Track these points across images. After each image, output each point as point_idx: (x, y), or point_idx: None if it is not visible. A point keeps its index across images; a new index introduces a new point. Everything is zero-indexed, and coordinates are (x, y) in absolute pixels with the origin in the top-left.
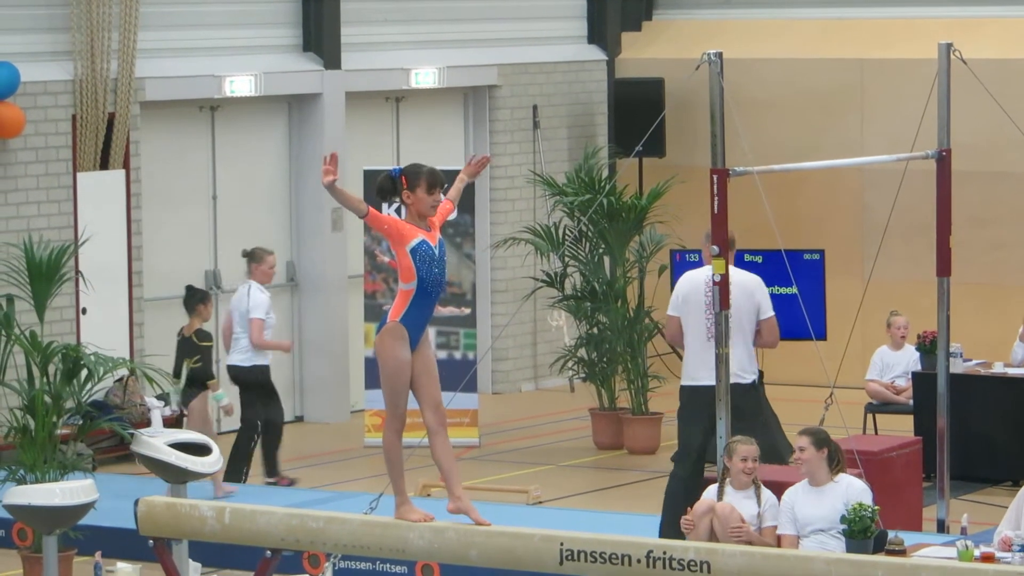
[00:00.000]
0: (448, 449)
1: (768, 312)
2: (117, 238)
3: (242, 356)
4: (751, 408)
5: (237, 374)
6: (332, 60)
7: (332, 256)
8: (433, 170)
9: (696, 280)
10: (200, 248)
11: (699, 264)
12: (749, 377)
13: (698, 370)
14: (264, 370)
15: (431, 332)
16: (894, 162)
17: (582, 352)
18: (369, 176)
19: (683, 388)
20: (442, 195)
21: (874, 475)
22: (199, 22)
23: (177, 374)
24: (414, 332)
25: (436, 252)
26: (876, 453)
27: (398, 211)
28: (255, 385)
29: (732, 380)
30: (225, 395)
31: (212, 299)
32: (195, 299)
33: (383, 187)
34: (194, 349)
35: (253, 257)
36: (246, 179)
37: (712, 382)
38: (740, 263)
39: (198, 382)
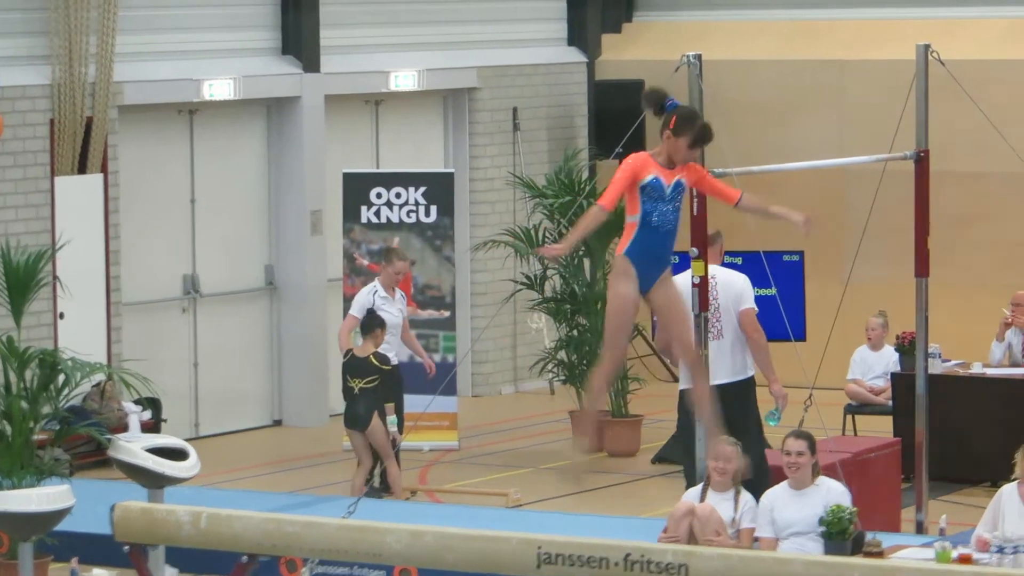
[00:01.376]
0: (704, 391)
1: (745, 304)
2: (95, 242)
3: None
4: (746, 404)
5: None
6: (311, 63)
7: (311, 260)
8: (705, 128)
9: (684, 280)
10: (179, 252)
11: (680, 266)
12: (745, 373)
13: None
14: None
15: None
16: (873, 163)
17: (562, 355)
18: (349, 178)
19: (685, 392)
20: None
21: (853, 476)
22: (177, 25)
23: (349, 394)
24: (642, 267)
25: (668, 191)
26: (855, 454)
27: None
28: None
29: (730, 378)
30: (396, 420)
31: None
32: (374, 323)
33: (651, 100)
34: (372, 370)
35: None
36: (225, 183)
37: (717, 381)
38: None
39: (378, 404)
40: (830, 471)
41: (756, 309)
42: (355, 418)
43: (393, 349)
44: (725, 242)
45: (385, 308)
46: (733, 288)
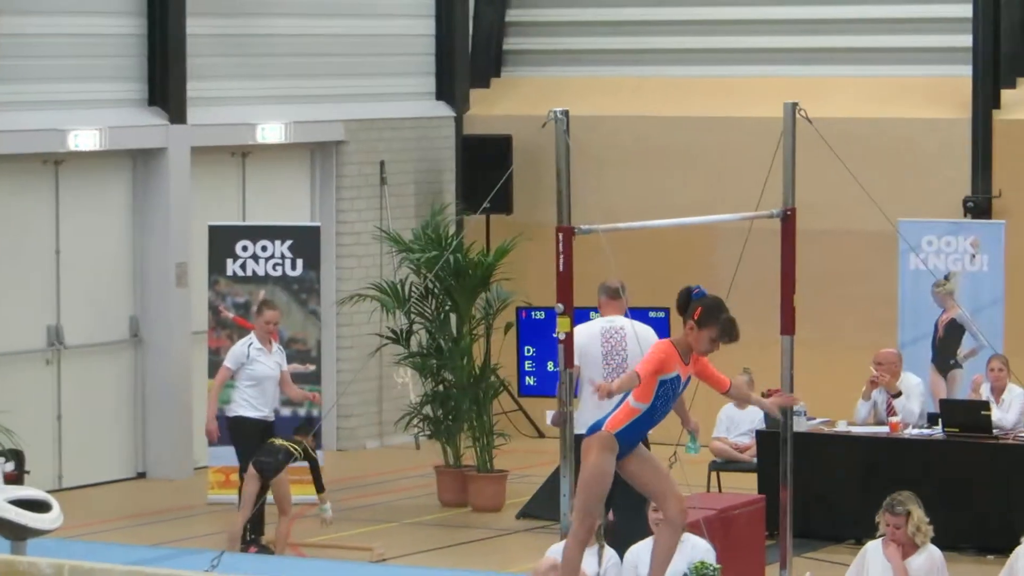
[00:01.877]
0: (666, 547)
1: None
2: None
3: None
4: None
5: None
6: (178, 115)
7: (176, 311)
8: (731, 323)
9: (592, 331)
10: (43, 303)
11: (546, 322)
12: None
13: (595, 418)
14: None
15: None
16: (739, 220)
17: (428, 409)
18: (215, 231)
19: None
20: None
21: (717, 533)
22: (43, 75)
23: (270, 445)
24: (625, 448)
25: (680, 388)
26: (720, 511)
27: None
28: None
29: None
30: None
31: None
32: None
33: (681, 300)
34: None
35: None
36: (90, 234)
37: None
38: (584, 319)
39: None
40: (695, 528)
41: None
42: (270, 466)
43: (269, 404)
44: (590, 299)
45: (261, 360)
46: (646, 341)
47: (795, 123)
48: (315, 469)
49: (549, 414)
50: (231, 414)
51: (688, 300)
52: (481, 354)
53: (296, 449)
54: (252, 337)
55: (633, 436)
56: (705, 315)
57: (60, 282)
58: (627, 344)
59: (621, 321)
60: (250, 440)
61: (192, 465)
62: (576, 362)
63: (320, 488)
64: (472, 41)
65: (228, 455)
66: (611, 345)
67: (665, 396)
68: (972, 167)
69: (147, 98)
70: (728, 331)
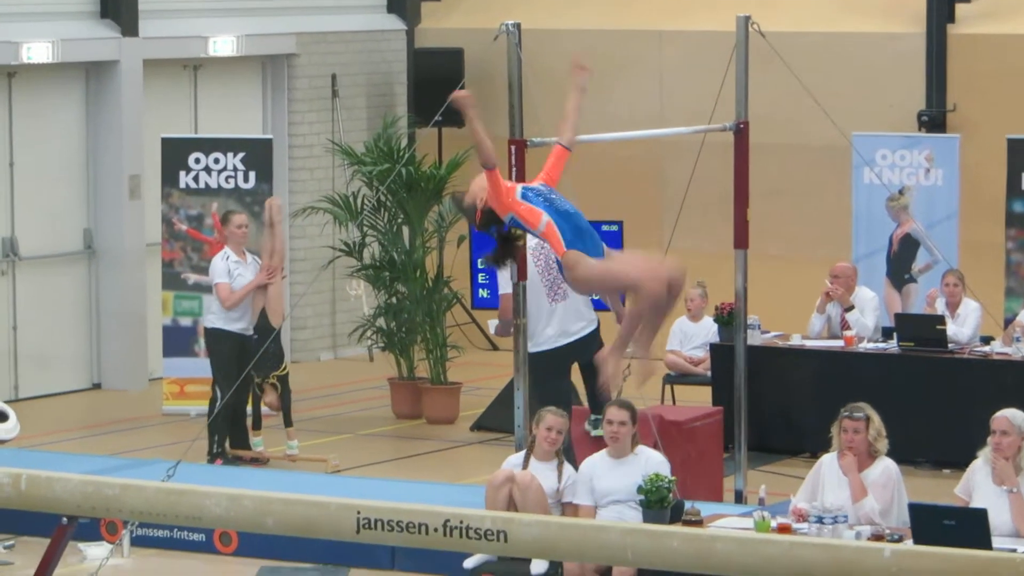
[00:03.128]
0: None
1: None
2: None
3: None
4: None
5: None
6: (130, 27)
7: (130, 224)
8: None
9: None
10: None
11: None
12: (592, 325)
13: (544, 332)
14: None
15: None
16: (692, 134)
17: (381, 322)
18: (167, 143)
19: (537, 354)
20: None
21: (676, 444)
22: None
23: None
24: (589, 246)
25: (543, 190)
26: (679, 423)
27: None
28: None
29: (588, 329)
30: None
31: None
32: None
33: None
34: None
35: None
36: (44, 146)
37: (565, 340)
38: None
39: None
40: (648, 441)
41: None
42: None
43: (247, 319)
44: None
45: (241, 273)
46: None
47: (748, 36)
48: (286, 402)
49: (491, 324)
50: (208, 325)
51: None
52: (434, 267)
53: (274, 382)
54: (227, 251)
55: (576, 232)
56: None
57: (14, 194)
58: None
59: None
60: (227, 354)
61: (147, 376)
62: (512, 280)
63: (288, 423)
64: None
65: (182, 367)
66: (543, 261)
67: (539, 198)
68: (927, 81)
69: (99, 11)
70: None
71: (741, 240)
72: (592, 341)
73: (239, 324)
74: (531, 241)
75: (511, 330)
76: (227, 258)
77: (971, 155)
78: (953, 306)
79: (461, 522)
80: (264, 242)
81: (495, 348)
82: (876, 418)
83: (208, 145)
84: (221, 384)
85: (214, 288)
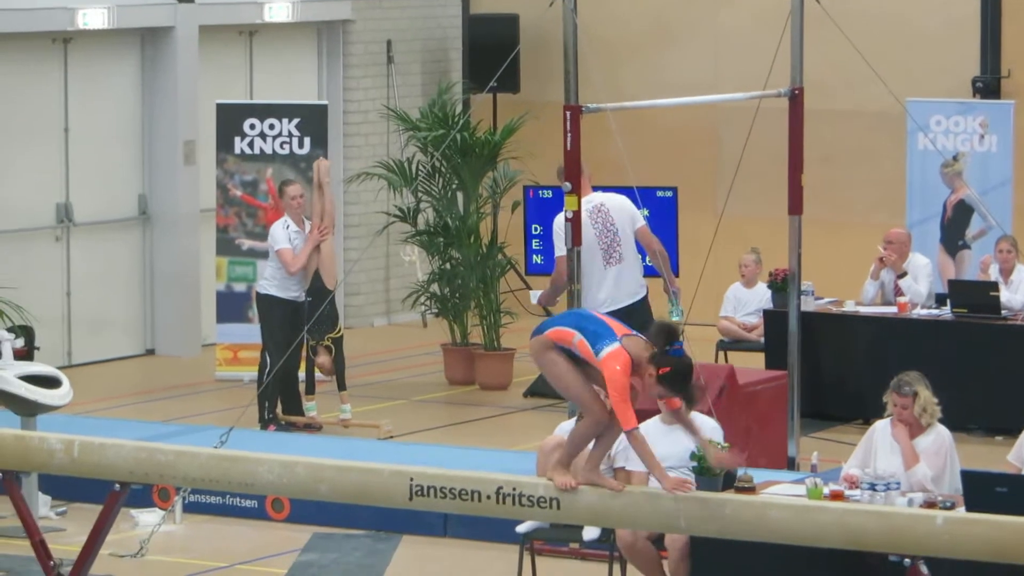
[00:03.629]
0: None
1: (639, 222)
2: None
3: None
4: (645, 322)
5: None
6: None
7: (184, 190)
8: (694, 388)
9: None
10: (52, 181)
11: (554, 200)
12: (642, 292)
13: (597, 297)
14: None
15: None
16: (747, 100)
17: (435, 287)
18: (222, 109)
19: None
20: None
21: (740, 408)
22: None
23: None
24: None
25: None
26: (742, 386)
27: None
28: None
29: (633, 299)
30: None
31: None
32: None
33: (659, 332)
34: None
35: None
36: (99, 112)
37: (615, 307)
38: None
39: None
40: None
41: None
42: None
43: (300, 286)
44: (598, 179)
45: (299, 242)
46: (626, 210)
47: (803, 2)
48: (340, 365)
49: (533, 295)
50: (261, 291)
51: (665, 340)
52: (488, 232)
53: (329, 344)
54: (287, 219)
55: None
56: (671, 380)
57: (69, 160)
58: (614, 217)
59: (601, 197)
60: (279, 320)
61: (200, 342)
62: (568, 245)
63: (342, 386)
64: None
65: (236, 332)
66: (600, 224)
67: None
68: (981, 47)
69: None
70: (691, 398)
71: (795, 206)
72: (642, 309)
73: (293, 292)
74: (587, 204)
75: (556, 300)
76: (287, 227)
77: None
78: (1007, 272)
79: (514, 489)
80: (314, 203)
81: (548, 314)
82: (924, 392)
83: (263, 111)
84: (271, 350)
85: (276, 254)
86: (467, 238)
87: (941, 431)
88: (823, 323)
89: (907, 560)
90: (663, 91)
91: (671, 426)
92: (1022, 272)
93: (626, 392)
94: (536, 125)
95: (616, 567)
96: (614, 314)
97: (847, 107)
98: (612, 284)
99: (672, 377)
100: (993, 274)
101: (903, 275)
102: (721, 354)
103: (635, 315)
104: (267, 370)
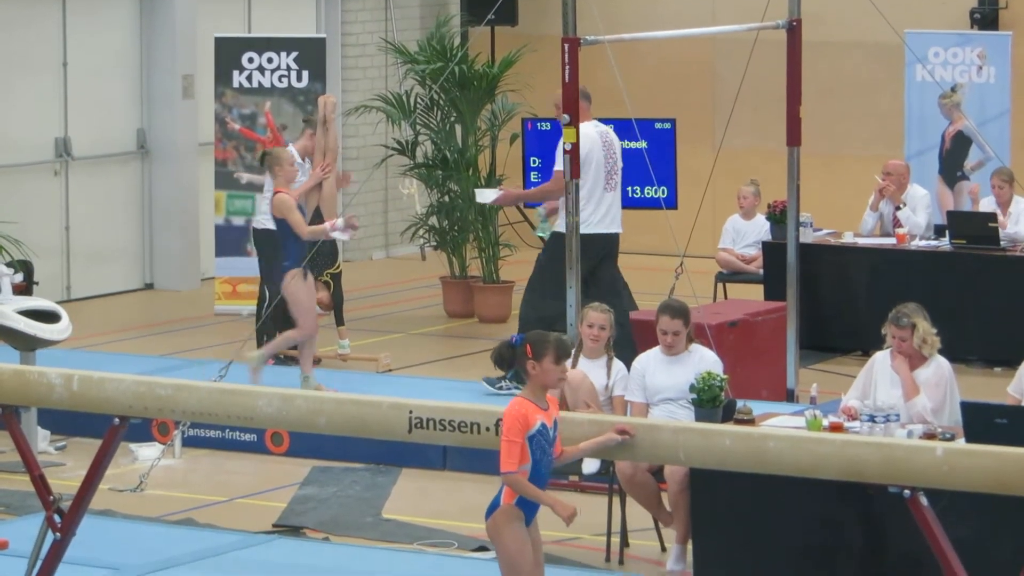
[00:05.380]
0: None
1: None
2: None
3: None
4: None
5: None
6: None
7: (183, 123)
8: (561, 340)
9: (593, 136)
10: (50, 115)
11: (552, 132)
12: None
13: (591, 217)
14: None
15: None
16: (745, 31)
17: (433, 220)
18: (220, 43)
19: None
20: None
21: (740, 340)
22: None
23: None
24: (529, 513)
25: (551, 434)
26: (742, 318)
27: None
28: None
29: (618, 229)
30: None
31: None
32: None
33: (502, 356)
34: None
35: None
36: (96, 46)
37: (605, 231)
38: None
39: None
40: (702, 337)
41: None
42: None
43: None
44: (597, 110)
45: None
46: (619, 145)
47: None
48: (338, 301)
49: (482, 193)
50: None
51: (513, 351)
52: (487, 165)
53: (327, 280)
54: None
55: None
56: (536, 347)
57: (67, 94)
58: (616, 148)
59: (604, 127)
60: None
61: (199, 276)
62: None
63: (340, 321)
64: None
65: (235, 266)
66: (606, 149)
67: (541, 449)
68: None
69: None
70: (562, 346)
71: (793, 138)
72: (616, 250)
73: None
74: (596, 128)
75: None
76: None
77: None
78: (1004, 205)
79: None
80: (317, 140)
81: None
82: (922, 324)
83: (261, 44)
84: (270, 284)
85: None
86: (466, 171)
87: (941, 363)
88: (822, 255)
89: (907, 491)
90: (661, 23)
91: (672, 358)
92: (1020, 204)
93: (511, 434)
94: (534, 57)
95: (616, 499)
96: (604, 237)
97: (845, 39)
98: (607, 207)
99: (536, 345)
100: (985, 205)
101: (902, 206)
102: (720, 286)
103: (613, 253)
104: (266, 303)
